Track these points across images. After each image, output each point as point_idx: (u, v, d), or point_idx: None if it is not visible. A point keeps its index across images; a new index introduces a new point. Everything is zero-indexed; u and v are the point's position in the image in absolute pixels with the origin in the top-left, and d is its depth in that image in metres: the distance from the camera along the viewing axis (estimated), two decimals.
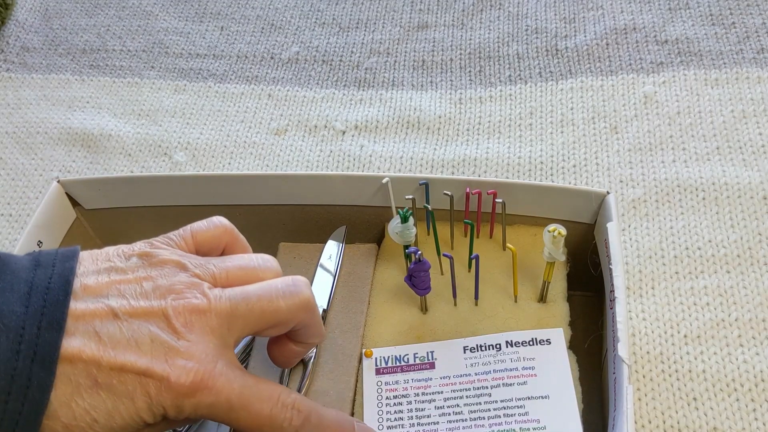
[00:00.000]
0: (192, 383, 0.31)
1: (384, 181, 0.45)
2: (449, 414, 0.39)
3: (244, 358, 0.43)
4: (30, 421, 0.29)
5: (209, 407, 0.32)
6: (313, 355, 0.42)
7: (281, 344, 0.38)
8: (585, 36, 0.69)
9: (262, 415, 0.33)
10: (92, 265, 0.33)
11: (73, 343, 0.30)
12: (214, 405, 0.32)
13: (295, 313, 0.35)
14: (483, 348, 0.41)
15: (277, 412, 0.33)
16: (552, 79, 0.66)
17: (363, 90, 0.68)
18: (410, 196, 0.45)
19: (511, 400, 0.38)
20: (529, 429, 0.37)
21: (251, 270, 0.35)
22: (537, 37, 0.70)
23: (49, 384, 0.29)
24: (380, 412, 0.39)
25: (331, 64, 0.71)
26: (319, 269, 0.46)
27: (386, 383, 0.40)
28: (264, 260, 0.36)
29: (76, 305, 0.30)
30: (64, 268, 0.31)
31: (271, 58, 0.72)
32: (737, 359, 0.47)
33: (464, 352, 0.41)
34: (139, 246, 0.34)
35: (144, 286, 0.32)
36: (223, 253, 0.37)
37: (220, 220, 0.37)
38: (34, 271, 0.31)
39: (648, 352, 0.48)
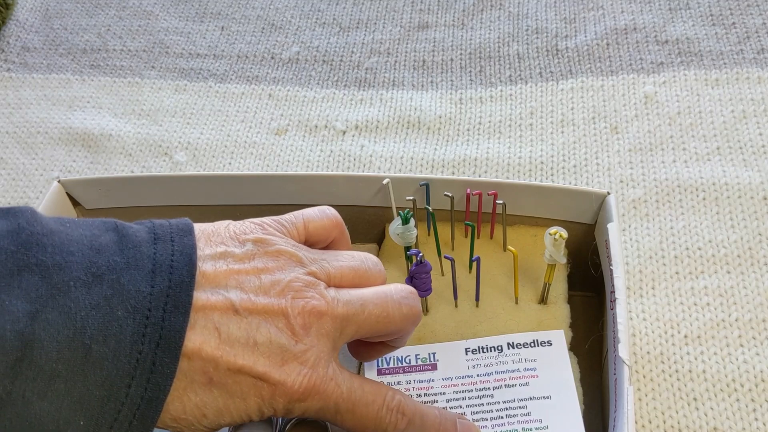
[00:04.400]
0: (305, 389, 0.31)
1: (384, 182, 0.45)
2: None
3: None
4: (151, 407, 0.28)
5: (317, 411, 0.32)
6: None
7: (370, 343, 0.37)
8: (585, 36, 0.69)
9: (368, 418, 0.33)
10: (207, 248, 0.31)
11: (193, 338, 0.29)
12: (323, 409, 0.32)
13: (405, 325, 0.34)
14: (484, 350, 0.41)
15: (382, 415, 0.33)
16: (552, 79, 0.66)
17: (363, 90, 0.68)
18: (411, 197, 0.45)
19: (514, 400, 0.38)
20: (531, 429, 0.37)
21: (363, 272, 0.34)
22: (537, 37, 0.70)
23: (173, 370, 0.28)
24: None
25: (331, 64, 0.71)
26: None
27: (388, 384, 0.40)
28: (374, 263, 0.35)
29: (197, 295, 0.29)
30: (183, 245, 0.30)
31: (272, 58, 0.72)
32: (737, 359, 0.47)
33: (466, 354, 0.41)
34: (251, 228, 0.33)
35: (263, 279, 0.31)
36: (328, 246, 0.37)
37: (332, 212, 0.36)
38: (155, 246, 0.30)
39: (648, 353, 0.48)
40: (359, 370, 0.42)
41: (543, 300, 0.43)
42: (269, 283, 0.31)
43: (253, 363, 0.30)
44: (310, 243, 0.35)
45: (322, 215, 0.36)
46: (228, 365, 0.29)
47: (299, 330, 0.31)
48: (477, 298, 0.43)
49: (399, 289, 0.34)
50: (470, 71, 0.69)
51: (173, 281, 0.29)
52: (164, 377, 0.28)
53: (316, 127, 0.65)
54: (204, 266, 0.30)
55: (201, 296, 0.30)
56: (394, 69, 0.70)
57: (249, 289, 0.31)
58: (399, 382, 0.40)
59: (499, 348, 0.41)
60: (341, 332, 0.32)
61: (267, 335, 0.30)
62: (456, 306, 0.43)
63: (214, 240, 0.32)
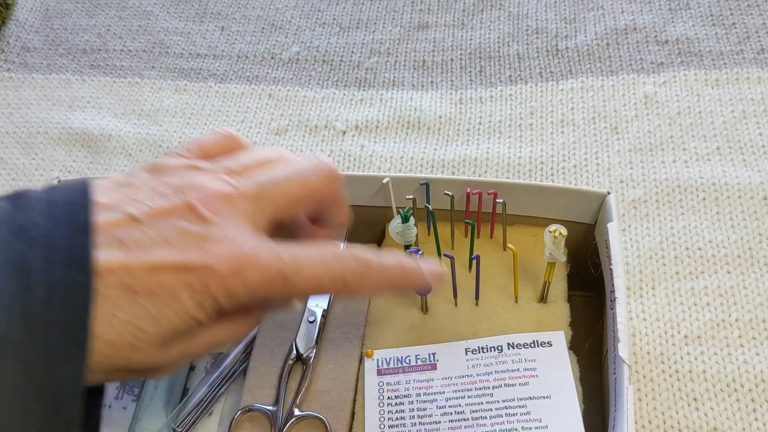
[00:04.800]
0: (232, 264, 0.29)
1: (384, 181, 0.45)
2: (451, 414, 0.39)
3: (244, 358, 0.43)
4: (77, 329, 0.27)
5: (262, 284, 0.30)
6: (313, 355, 0.42)
7: (310, 235, 0.36)
8: (585, 36, 0.69)
9: (320, 273, 0.31)
10: (101, 182, 0.31)
11: (100, 256, 0.27)
12: (267, 280, 0.30)
13: (325, 185, 0.34)
14: (484, 350, 0.41)
15: (336, 265, 0.31)
16: (552, 79, 0.66)
17: (363, 90, 0.68)
18: (411, 196, 0.45)
19: (513, 400, 0.38)
20: (531, 428, 0.37)
21: (267, 162, 0.33)
22: (537, 37, 0.71)
23: (88, 285, 0.27)
24: (382, 412, 0.39)
25: (331, 64, 0.71)
26: None
27: (388, 384, 0.40)
28: (279, 153, 0.34)
29: (96, 218, 0.28)
30: (77, 183, 0.30)
31: (272, 58, 0.72)
32: (737, 359, 0.47)
33: (466, 354, 0.41)
34: (143, 165, 0.33)
35: (160, 189, 0.30)
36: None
37: (222, 128, 0.35)
38: (51, 192, 0.29)
39: (648, 353, 0.48)
40: (358, 372, 0.41)
41: (543, 299, 0.43)
42: (167, 189, 0.30)
43: (169, 256, 0.29)
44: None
45: (213, 133, 0.35)
46: (142, 268, 0.28)
47: (209, 215, 0.30)
48: (477, 297, 0.43)
49: (307, 160, 0.34)
50: (470, 71, 0.69)
51: (71, 210, 0.28)
52: (83, 294, 0.27)
53: (316, 127, 0.65)
54: (99, 198, 0.30)
55: (100, 218, 0.29)
56: (394, 69, 0.70)
57: (147, 200, 0.30)
58: (399, 382, 0.40)
59: (499, 348, 0.41)
60: (260, 211, 0.31)
61: (176, 229, 0.29)
62: (456, 305, 0.43)
63: (108, 182, 0.31)
